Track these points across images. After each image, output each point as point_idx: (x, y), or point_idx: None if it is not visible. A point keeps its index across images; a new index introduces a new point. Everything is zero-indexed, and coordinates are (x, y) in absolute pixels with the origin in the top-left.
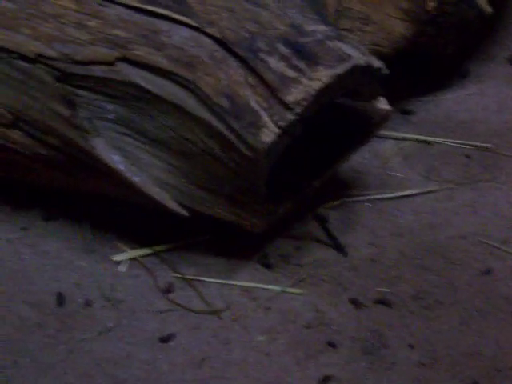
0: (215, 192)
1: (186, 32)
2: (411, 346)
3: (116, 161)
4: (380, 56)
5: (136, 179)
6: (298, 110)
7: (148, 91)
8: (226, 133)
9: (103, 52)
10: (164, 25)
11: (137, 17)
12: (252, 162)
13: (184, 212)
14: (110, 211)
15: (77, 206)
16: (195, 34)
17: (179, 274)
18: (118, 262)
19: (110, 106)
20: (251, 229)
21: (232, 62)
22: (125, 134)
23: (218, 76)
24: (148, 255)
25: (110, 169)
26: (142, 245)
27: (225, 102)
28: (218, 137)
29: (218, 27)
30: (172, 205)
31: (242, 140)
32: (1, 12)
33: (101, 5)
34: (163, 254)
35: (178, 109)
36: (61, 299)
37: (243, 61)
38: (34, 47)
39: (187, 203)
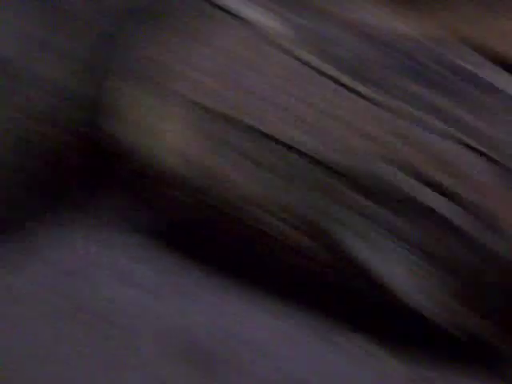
0: (473, 307)
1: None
2: None
3: (370, 259)
4: None
5: (391, 279)
6: None
7: (409, 197)
8: (488, 245)
9: (363, 149)
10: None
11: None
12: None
13: (434, 316)
14: (343, 299)
15: (312, 291)
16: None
17: (414, 373)
18: (341, 347)
19: (368, 204)
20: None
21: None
22: (380, 234)
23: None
24: (378, 346)
25: (361, 267)
26: (373, 336)
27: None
28: (479, 249)
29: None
30: (425, 310)
31: (499, 252)
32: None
33: (359, 102)
34: (396, 349)
35: (436, 217)
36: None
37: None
38: (296, 136)
39: (438, 312)
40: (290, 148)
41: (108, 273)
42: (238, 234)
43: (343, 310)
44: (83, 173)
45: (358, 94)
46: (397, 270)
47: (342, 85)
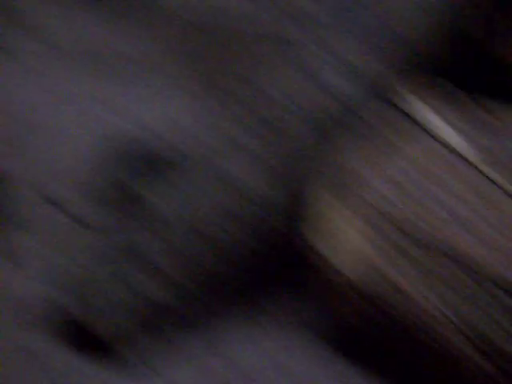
0: None
1: None
2: None
3: None
4: None
5: None
6: None
7: None
8: None
9: None
10: None
11: None
12: None
13: None
14: None
15: None
16: None
17: None
18: None
19: None
20: None
21: None
22: None
23: None
24: None
25: None
26: None
27: None
28: None
29: None
30: None
31: None
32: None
33: None
34: None
35: None
36: None
37: None
38: (482, 258)
39: None
40: (474, 269)
41: (282, 375)
42: (413, 348)
43: None
44: (265, 273)
45: None
46: None
47: None
